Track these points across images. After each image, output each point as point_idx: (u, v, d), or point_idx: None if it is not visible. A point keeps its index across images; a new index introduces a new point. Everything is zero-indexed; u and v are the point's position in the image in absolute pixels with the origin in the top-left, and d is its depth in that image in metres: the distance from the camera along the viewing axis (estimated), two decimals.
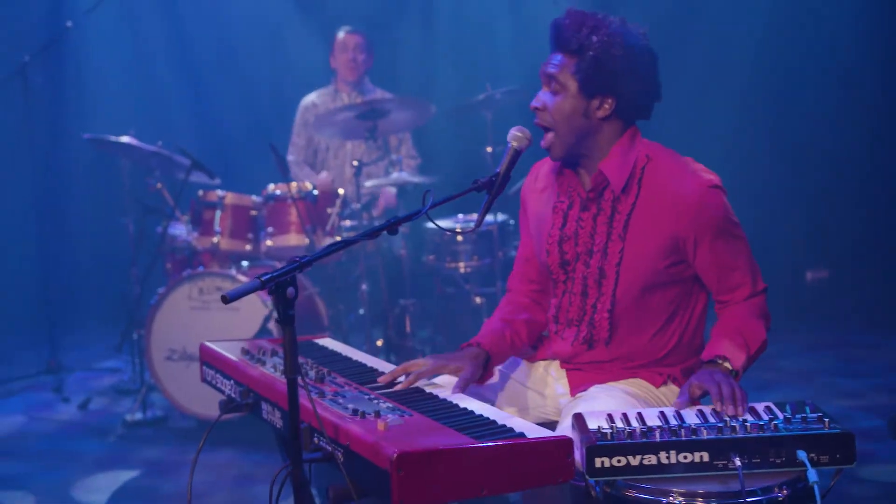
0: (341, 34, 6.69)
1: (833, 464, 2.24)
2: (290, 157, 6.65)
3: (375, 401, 2.53)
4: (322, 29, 7.51)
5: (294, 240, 5.67)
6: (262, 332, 5.32)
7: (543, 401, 3.04)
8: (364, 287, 5.84)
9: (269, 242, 5.69)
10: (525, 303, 3.17)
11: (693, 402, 2.56)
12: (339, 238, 5.68)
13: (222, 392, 3.11)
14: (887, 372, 6.20)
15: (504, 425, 2.32)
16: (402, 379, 2.76)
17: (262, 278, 2.22)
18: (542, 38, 2.90)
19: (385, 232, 2.52)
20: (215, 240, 5.68)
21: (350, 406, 2.43)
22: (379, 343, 6.08)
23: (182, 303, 5.57)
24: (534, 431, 2.27)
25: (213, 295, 5.50)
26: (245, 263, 5.77)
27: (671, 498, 2.23)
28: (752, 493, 2.21)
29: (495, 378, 3.05)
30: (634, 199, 2.86)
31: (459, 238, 6.23)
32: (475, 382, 2.90)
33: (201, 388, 5.41)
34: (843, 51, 7.63)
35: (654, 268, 2.85)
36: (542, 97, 2.90)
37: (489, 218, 6.30)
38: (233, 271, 5.51)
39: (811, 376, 6.16)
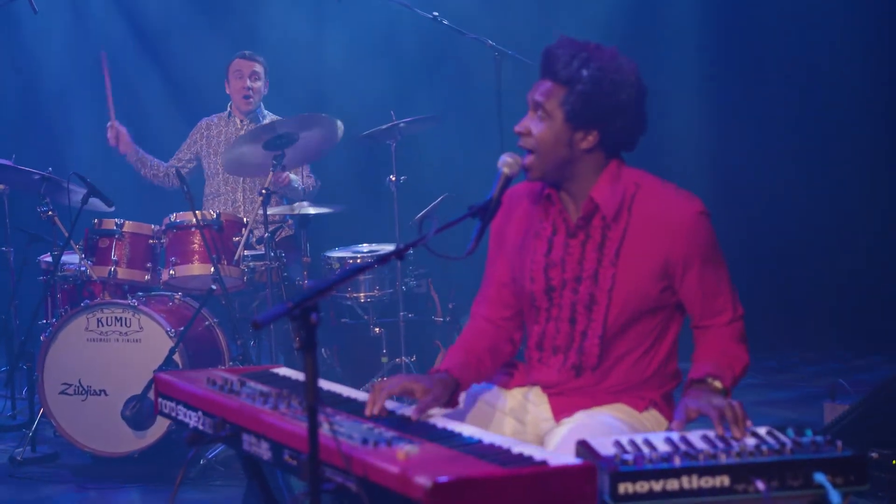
0: (236, 59, 6.45)
1: (847, 485, 2.28)
2: (169, 162, 6.48)
3: (376, 430, 2.46)
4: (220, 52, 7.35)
5: (198, 269, 5.43)
6: (168, 363, 5.14)
7: (523, 427, 3.01)
8: None
9: (171, 272, 5.45)
10: (487, 329, 3.14)
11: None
12: (244, 268, 5.54)
13: (186, 425, 2.98)
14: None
15: (521, 453, 2.28)
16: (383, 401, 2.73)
17: (290, 304, 2.14)
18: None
19: (394, 258, 2.47)
20: (112, 269, 5.47)
21: (355, 435, 2.37)
22: None
23: (78, 335, 5.31)
24: (554, 458, 2.24)
25: (112, 326, 5.28)
26: (140, 294, 5.57)
27: None
28: None
29: (469, 405, 3.02)
30: (625, 226, 2.88)
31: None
32: (440, 408, 2.86)
33: (98, 424, 5.26)
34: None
35: (646, 293, 2.88)
36: (528, 122, 2.90)
37: (390, 248, 6.27)
38: (134, 301, 5.30)
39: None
